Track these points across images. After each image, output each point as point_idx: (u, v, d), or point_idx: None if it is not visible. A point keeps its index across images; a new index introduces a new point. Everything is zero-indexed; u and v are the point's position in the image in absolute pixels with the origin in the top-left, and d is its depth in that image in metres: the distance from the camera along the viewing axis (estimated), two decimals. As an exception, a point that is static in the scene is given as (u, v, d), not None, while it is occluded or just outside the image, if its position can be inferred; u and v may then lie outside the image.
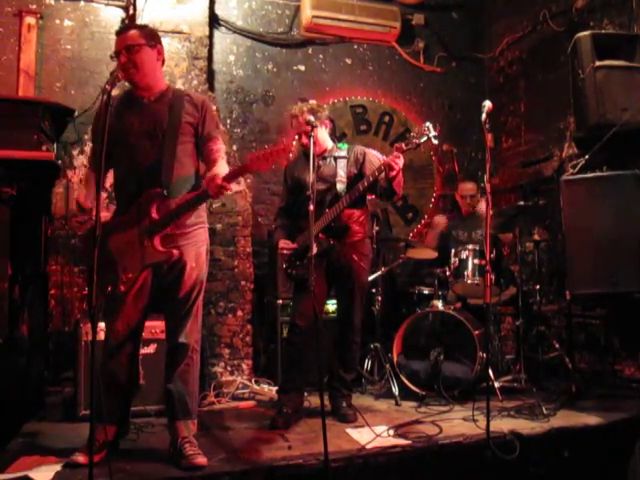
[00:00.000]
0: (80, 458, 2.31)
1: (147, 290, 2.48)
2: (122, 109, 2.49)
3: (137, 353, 2.62)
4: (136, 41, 2.41)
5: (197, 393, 2.59)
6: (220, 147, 2.55)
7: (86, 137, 4.02)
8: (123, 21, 4.27)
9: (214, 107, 4.19)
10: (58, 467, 2.32)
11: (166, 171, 2.41)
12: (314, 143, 2.57)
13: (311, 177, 2.52)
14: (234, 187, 4.12)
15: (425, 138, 2.96)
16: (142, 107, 2.49)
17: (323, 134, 3.22)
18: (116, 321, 2.46)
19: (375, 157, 3.28)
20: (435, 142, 3.01)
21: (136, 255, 2.37)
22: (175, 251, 2.38)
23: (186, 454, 2.34)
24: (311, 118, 2.78)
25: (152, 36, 2.50)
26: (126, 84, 2.56)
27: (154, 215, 2.37)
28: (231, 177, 2.34)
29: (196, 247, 2.51)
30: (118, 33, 2.47)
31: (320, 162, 3.21)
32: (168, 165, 2.42)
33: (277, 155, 2.24)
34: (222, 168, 2.43)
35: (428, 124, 2.96)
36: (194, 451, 2.36)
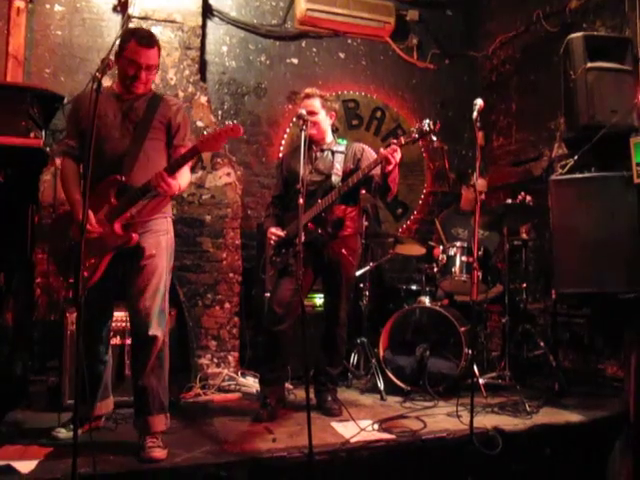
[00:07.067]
0: (60, 434, 2.45)
1: (110, 277, 2.47)
2: (101, 103, 2.45)
3: (108, 339, 2.68)
4: (157, 62, 2.51)
5: (167, 385, 2.55)
6: None
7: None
8: (115, 8, 4.22)
9: (205, 98, 4.18)
10: (41, 456, 2.30)
11: (129, 160, 2.44)
12: (309, 134, 2.53)
13: (301, 170, 2.51)
14: (224, 179, 4.10)
15: (423, 133, 2.88)
16: (119, 102, 2.52)
17: (326, 122, 3.22)
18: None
19: (373, 155, 3.24)
20: (434, 138, 2.96)
21: (98, 240, 2.38)
22: (134, 234, 2.40)
23: (146, 446, 2.35)
24: (303, 112, 2.76)
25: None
26: (114, 73, 2.57)
27: (113, 201, 2.41)
28: (180, 162, 2.38)
29: (156, 235, 2.50)
30: (146, 44, 2.44)
31: (317, 154, 3.21)
32: (132, 154, 2.45)
33: (226, 135, 2.32)
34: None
35: (427, 121, 2.88)
36: (154, 443, 2.36)
